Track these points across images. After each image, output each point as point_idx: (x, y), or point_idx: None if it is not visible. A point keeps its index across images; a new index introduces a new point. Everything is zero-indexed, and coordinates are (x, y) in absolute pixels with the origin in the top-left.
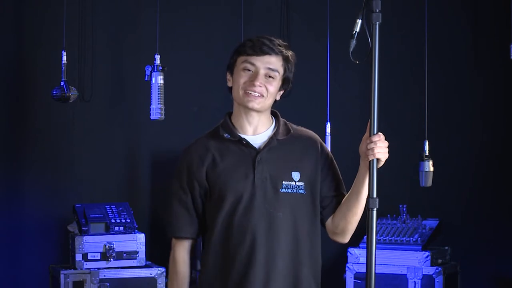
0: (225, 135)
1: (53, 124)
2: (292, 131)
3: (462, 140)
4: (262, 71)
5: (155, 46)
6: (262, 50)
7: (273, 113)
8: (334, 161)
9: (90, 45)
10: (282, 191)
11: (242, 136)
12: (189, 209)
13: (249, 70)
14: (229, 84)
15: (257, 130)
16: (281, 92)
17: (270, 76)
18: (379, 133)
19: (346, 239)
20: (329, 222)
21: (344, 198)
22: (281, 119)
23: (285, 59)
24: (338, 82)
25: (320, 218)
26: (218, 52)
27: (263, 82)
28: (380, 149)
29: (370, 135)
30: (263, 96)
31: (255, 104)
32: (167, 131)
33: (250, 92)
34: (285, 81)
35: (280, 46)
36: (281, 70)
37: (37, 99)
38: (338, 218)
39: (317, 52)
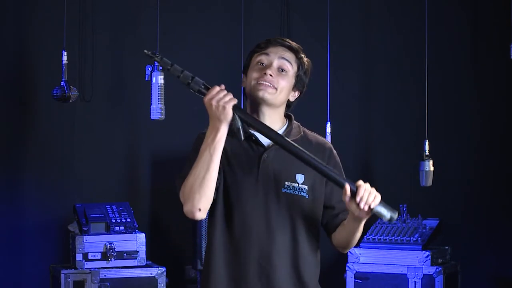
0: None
1: (53, 124)
2: (302, 133)
3: (462, 140)
4: (275, 63)
5: (155, 46)
6: (277, 41)
7: (288, 116)
8: (343, 172)
9: (90, 45)
10: (284, 191)
11: (253, 132)
12: None
13: (262, 64)
14: (243, 85)
15: None
16: (295, 94)
17: (283, 70)
18: (359, 183)
19: (346, 251)
20: (332, 236)
21: (343, 224)
22: (294, 122)
23: (299, 58)
24: (338, 82)
25: (324, 229)
26: (218, 52)
27: (275, 73)
28: (371, 196)
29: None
30: (274, 88)
31: (266, 93)
32: (167, 131)
33: (261, 82)
34: (298, 80)
35: (295, 46)
36: (295, 66)
37: (38, 99)
38: (339, 238)
39: (317, 52)
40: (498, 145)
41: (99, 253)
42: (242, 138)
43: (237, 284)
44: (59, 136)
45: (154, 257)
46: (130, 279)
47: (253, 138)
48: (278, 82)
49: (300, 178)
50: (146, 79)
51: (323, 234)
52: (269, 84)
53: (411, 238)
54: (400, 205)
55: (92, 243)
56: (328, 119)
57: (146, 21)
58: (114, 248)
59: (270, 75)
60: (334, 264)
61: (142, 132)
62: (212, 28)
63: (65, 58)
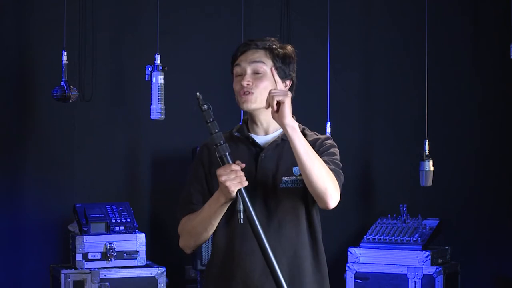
0: (236, 133)
1: (53, 124)
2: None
3: (462, 140)
4: (248, 70)
5: (155, 46)
6: (246, 47)
7: None
8: (333, 149)
9: (90, 45)
10: (282, 186)
11: (251, 135)
12: (201, 194)
13: (239, 74)
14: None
15: (268, 131)
16: (286, 84)
17: (257, 73)
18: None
19: (323, 203)
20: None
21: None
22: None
23: (270, 51)
24: (338, 82)
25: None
26: (218, 52)
27: (251, 80)
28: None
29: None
30: (253, 93)
31: (248, 103)
32: (167, 131)
33: (241, 93)
34: (280, 71)
35: (264, 41)
36: (268, 62)
37: (38, 99)
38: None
39: (317, 52)
40: (498, 145)
41: (99, 253)
42: (241, 221)
43: (243, 282)
44: (59, 136)
45: (154, 257)
46: (130, 279)
47: (250, 140)
48: (257, 86)
49: (296, 170)
50: (146, 79)
51: (324, 236)
52: (248, 92)
53: (411, 238)
54: (400, 205)
55: (92, 243)
56: (328, 119)
57: (146, 21)
58: (114, 248)
59: (247, 84)
60: (334, 264)
61: (142, 132)
62: (212, 28)
63: (65, 58)
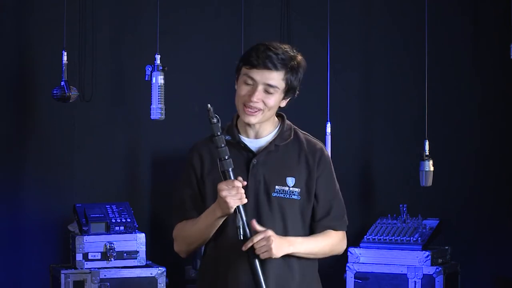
0: (226, 137)
1: (53, 124)
2: (292, 136)
3: (462, 140)
4: (260, 87)
5: (155, 46)
6: (264, 64)
7: (280, 116)
8: (333, 174)
9: (90, 45)
10: (274, 195)
11: (243, 139)
12: (193, 199)
13: (249, 84)
14: (236, 87)
15: (259, 134)
16: (287, 100)
17: (269, 92)
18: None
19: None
20: None
21: None
22: (286, 123)
23: (289, 71)
24: (338, 82)
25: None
26: (218, 52)
27: (261, 97)
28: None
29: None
30: (260, 110)
31: (251, 119)
32: (167, 131)
33: (247, 107)
34: (288, 91)
35: (284, 59)
36: (282, 85)
37: (38, 99)
38: None
39: (317, 52)
40: (498, 145)
41: (99, 253)
42: (240, 238)
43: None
44: (59, 136)
45: (154, 257)
46: (130, 279)
47: (242, 145)
48: (266, 103)
49: (290, 181)
50: (146, 79)
51: None
52: (255, 109)
53: (411, 238)
54: (400, 205)
55: (92, 243)
56: (328, 119)
57: (146, 21)
58: (114, 248)
59: (256, 101)
60: (334, 264)
61: (142, 132)
62: (212, 28)
63: (65, 58)
